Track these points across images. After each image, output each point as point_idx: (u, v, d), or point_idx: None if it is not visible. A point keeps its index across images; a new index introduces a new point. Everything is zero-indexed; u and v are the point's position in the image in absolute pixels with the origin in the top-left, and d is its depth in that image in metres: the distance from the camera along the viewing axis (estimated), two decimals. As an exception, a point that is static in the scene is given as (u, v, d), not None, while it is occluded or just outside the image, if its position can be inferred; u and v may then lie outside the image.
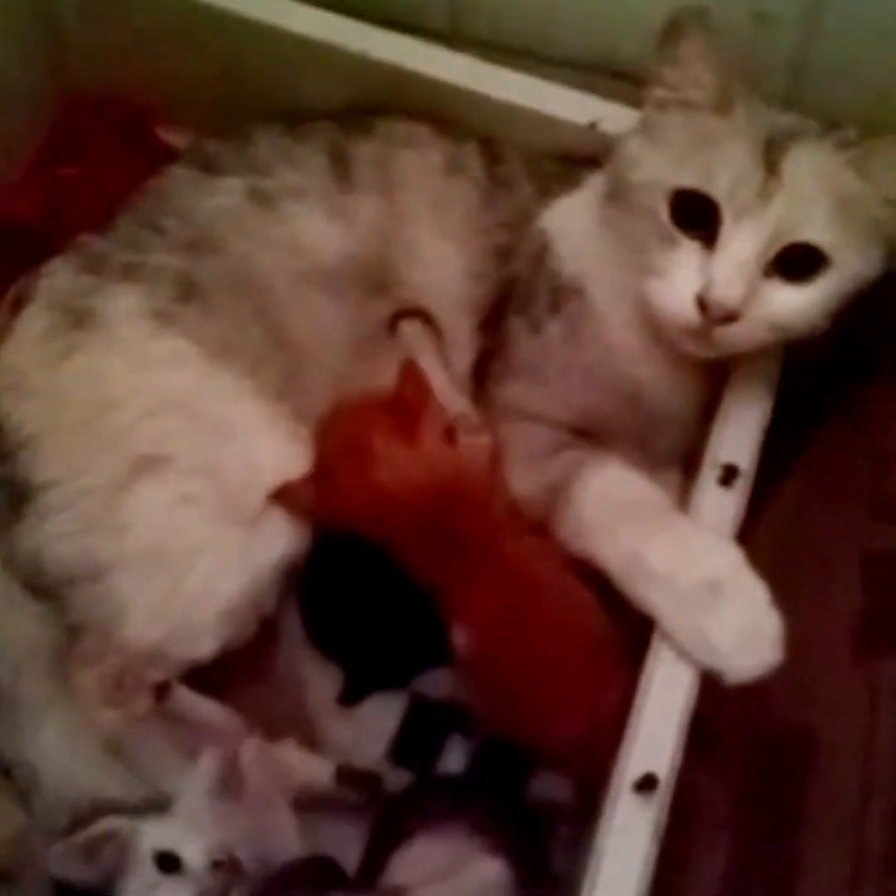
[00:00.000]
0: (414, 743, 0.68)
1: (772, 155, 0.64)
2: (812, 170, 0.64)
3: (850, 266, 0.64)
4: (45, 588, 0.67)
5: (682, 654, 0.59)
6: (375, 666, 0.69)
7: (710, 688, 0.61)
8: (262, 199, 0.73)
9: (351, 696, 0.69)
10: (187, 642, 0.66)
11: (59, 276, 0.71)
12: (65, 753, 0.65)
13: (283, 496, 0.67)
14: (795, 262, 0.64)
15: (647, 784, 0.55)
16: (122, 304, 0.69)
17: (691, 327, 0.64)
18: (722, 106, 0.65)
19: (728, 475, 0.64)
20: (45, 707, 0.66)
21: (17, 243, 0.78)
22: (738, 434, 0.66)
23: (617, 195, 0.68)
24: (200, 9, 0.78)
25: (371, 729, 0.68)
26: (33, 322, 0.70)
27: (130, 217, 0.74)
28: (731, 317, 0.63)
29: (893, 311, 0.77)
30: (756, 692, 0.65)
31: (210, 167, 0.74)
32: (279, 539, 0.67)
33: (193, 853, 0.61)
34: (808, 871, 0.65)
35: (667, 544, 0.63)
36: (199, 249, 0.71)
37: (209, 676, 0.68)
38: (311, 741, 0.69)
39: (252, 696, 0.70)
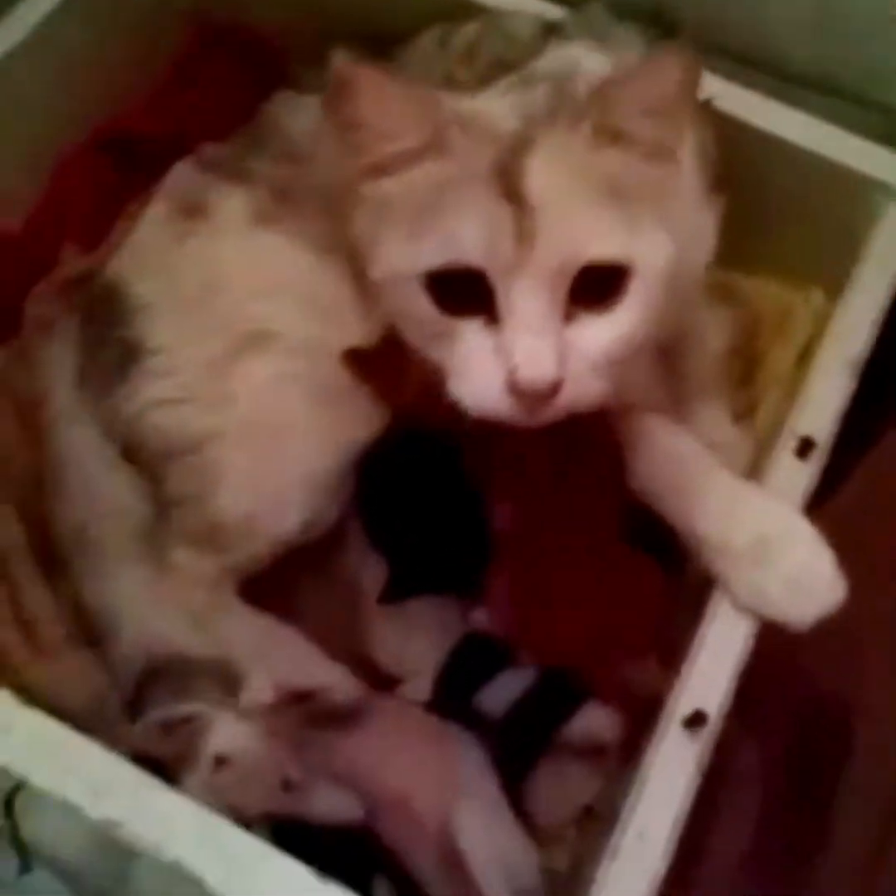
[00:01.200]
0: (461, 672, 0.70)
1: (510, 182, 0.54)
2: (563, 173, 0.54)
3: (656, 256, 0.56)
4: (143, 456, 0.70)
5: (742, 609, 0.61)
6: (419, 567, 0.70)
7: (756, 654, 0.63)
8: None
9: (391, 595, 0.70)
10: (276, 514, 0.68)
11: (179, 175, 0.76)
12: (145, 602, 0.69)
13: (348, 360, 0.67)
14: (593, 286, 0.55)
15: (696, 720, 0.58)
16: (229, 201, 0.73)
17: (518, 414, 0.56)
18: (435, 146, 0.56)
19: (804, 447, 0.66)
20: (129, 561, 0.70)
21: (146, 155, 0.82)
22: (818, 408, 0.67)
23: (369, 291, 0.61)
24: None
25: (421, 639, 0.70)
26: (156, 211, 0.75)
27: (242, 132, 0.78)
28: (553, 390, 0.55)
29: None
30: (801, 661, 0.68)
31: (300, 87, 0.77)
32: (362, 422, 0.69)
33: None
34: (836, 841, 0.67)
35: (713, 509, 0.63)
36: (290, 159, 0.74)
37: (275, 574, 0.71)
38: (364, 643, 0.71)
39: (314, 594, 0.73)
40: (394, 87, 0.56)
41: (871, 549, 0.73)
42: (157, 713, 0.65)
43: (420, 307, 0.57)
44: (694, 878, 0.67)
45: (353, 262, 0.68)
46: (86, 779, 0.54)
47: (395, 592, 0.71)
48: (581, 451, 0.64)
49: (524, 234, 0.54)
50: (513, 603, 0.67)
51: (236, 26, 0.91)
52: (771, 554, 0.61)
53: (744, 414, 0.80)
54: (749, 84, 0.77)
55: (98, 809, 0.53)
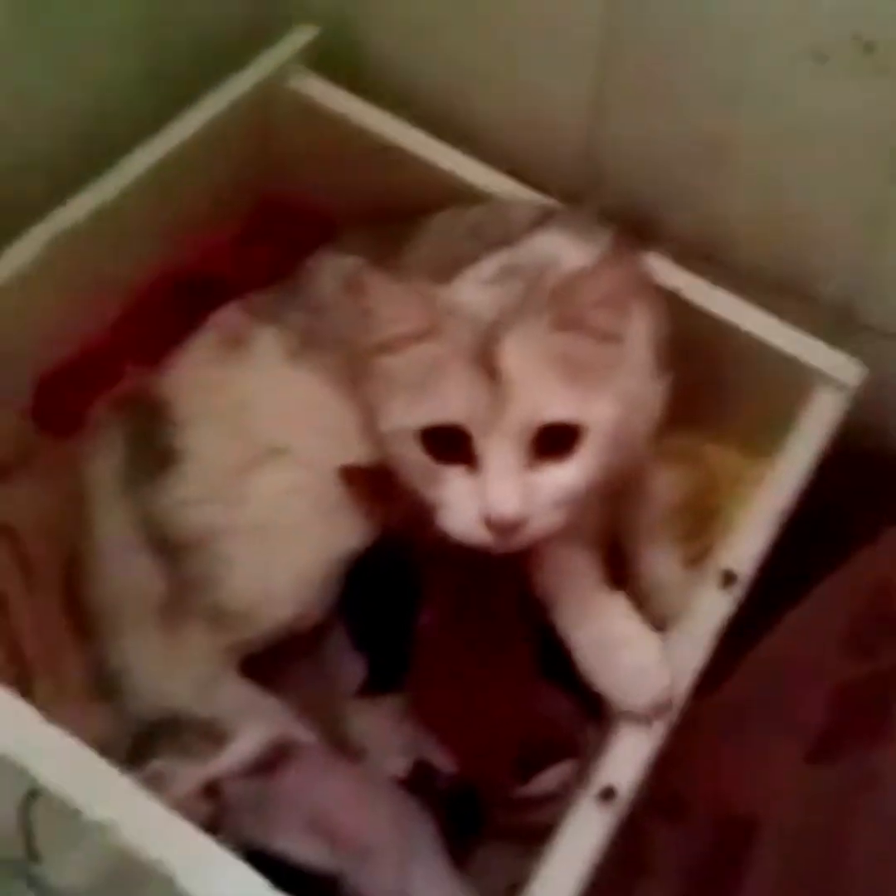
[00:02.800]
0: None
1: (489, 360, 0.67)
2: (529, 353, 0.68)
3: (604, 418, 0.69)
4: (166, 546, 0.82)
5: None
6: (391, 667, 0.79)
7: (680, 768, 0.73)
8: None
9: (366, 691, 0.80)
10: (272, 604, 0.80)
11: (226, 315, 0.91)
12: (156, 667, 0.80)
13: (345, 475, 0.80)
14: (553, 441, 0.68)
15: (608, 795, 0.68)
16: (265, 339, 0.87)
17: (493, 542, 0.68)
18: (430, 331, 0.69)
19: (727, 579, 0.77)
20: (146, 632, 0.81)
21: (209, 294, 0.96)
22: (743, 547, 0.79)
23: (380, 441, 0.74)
24: (378, 142, 0.98)
25: (387, 725, 0.80)
26: (202, 341, 0.89)
27: (283, 283, 0.92)
28: (519, 524, 0.67)
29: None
30: (718, 781, 0.78)
31: (340, 249, 0.92)
32: (355, 532, 0.81)
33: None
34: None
35: (580, 614, 0.74)
36: (316, 311, 0.88)
37: (267, 667, 0.83)
38: (340, 722, 0.81)
39: (302, 677, 0.84)
40: (395, 286, 0.71)
41: (786, 695, 0.83)
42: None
43: (415, 456, 0.70)
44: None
45: (361, 403, 0.82)
46: (89, 786, 0.64)
47: (371, 688, 0.82)
48: (499, 576, 0.75)
49: (497, 400, 0.67)
50: (424, 702, 0.78)
51: (295, 199, 1.07)
52: (615, 654, 0.73)
53: (695, 561, 0.91)
54: (712, 279, 0.91)
55: (96, 813, 0.63)
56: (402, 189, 0.97)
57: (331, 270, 0.89)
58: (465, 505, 0.68)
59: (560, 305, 0.69)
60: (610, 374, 0.71)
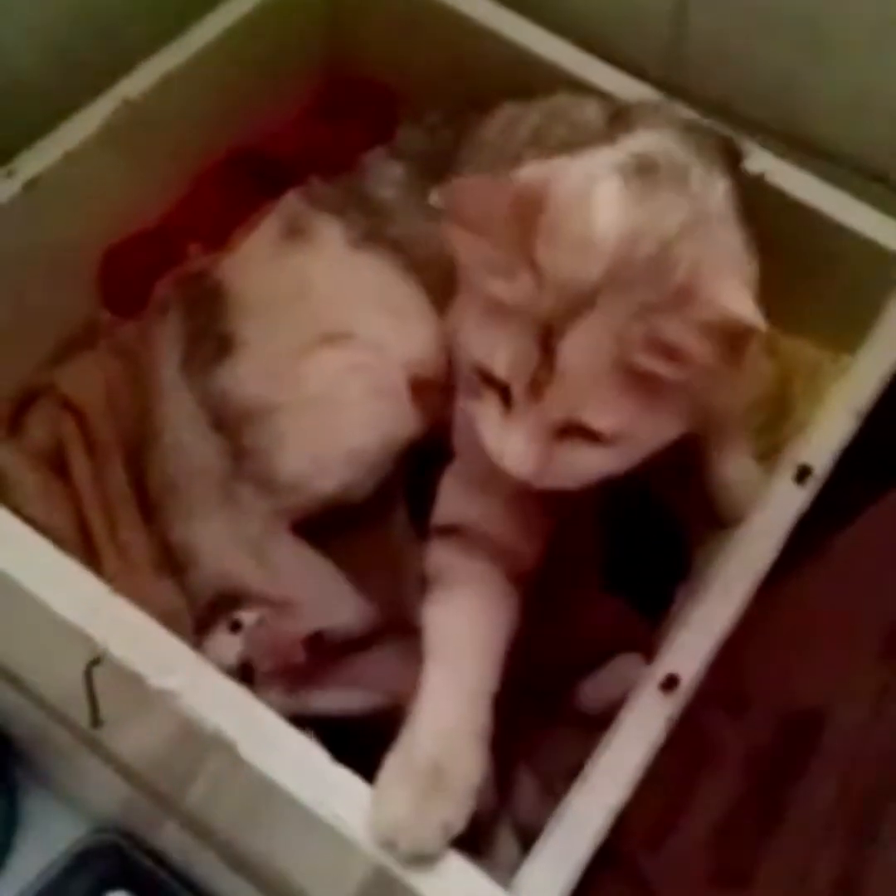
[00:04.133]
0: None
1: (549, 337, 0.59)
2: (594, 353, 0.59)
3: (656, 436, 0.63)
4: (225, 420, 0.83)
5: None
6: None
7: (746, 663, 0.72)
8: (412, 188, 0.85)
9: None
10: (317, 477, 0.80)
11: (290, 202, 0.89)
12: (223, 542, 0.81)
13: (414, 387, 0.79)
14: (586, 431, 0.62)
15: (670, 683, 0.67)
16: (327, 228, 0.86)
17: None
18: (507, 271, 0.60)
19: (802, 474, 0.75)
20: (212, 508, 0.82)
21: (273, 173, 0.96)
22: (820, 442, 0.76)
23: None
24: (450, 15, 0.94)
25: None
26: (267, 228, 0.88)
27: (344, 177, 0.89)
28: (535, 479, 0.63)
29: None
30: (784, 676, 0.77)
31: (393, 153, 0.89)
32: (407, 420, 0.81)
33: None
34: (792, 821, 0.75)
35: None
36: (376, 214, 0.86)
37: (336, 549, 0.82)
38: (404, 601, 0.80)
39: (366, 551, 0.83)
40: (491, 213, 0.61)
41: (858, 592, 0.81)
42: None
43: (467, 366, 0.66)
44: (664, 848, 0.75)
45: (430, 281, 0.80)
46: (154, 656, 0.65)
47: None
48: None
49: (541, 382, 0.61)
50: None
51: (362, 75, 1.05)
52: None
53: (768, 455, 0.89)
54: (799, 165, 0.88)
55: (160, 681, 0.64)
56: (474, 65, 0.94)
57: (388, 174, 0.87)
58: (492, 434, 0.65)
59: (661, 322, 0.59)
60: (690, 396, 0.62)
